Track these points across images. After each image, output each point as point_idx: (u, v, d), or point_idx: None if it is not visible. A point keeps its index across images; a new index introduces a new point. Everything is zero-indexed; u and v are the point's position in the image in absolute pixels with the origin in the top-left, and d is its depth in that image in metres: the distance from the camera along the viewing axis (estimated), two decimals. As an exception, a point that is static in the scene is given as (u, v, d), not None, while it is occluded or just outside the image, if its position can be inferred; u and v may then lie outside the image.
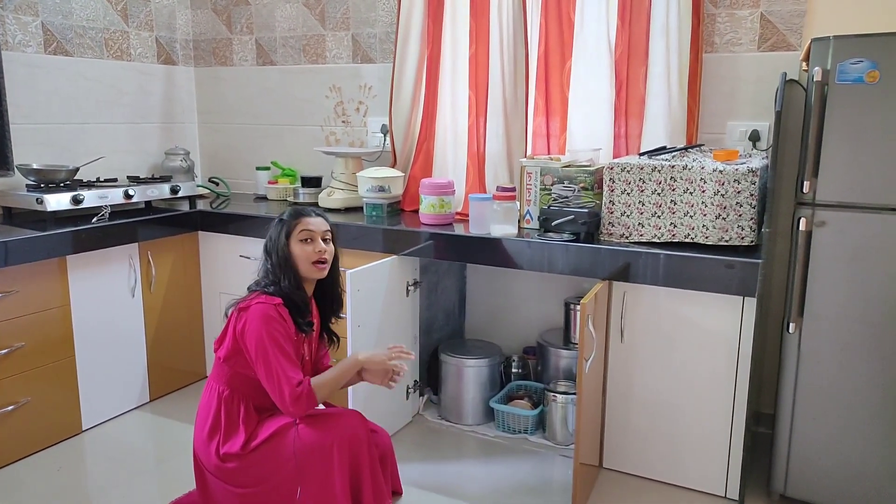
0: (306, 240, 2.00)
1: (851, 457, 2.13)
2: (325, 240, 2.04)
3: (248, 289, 2.03)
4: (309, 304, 2.03)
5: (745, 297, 2.17)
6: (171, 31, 3.64)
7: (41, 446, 2.63)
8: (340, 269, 2.38)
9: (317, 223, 2.03)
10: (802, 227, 2.08)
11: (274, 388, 1.85)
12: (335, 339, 2.17)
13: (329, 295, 2.13)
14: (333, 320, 2.17)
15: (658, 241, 2.32)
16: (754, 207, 2.18)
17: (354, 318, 2.39)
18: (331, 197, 3.09)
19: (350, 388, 2.40)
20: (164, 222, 3.01)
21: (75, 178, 2.96)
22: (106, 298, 2.82)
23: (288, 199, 3.38)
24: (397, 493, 2.27)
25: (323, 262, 2.02)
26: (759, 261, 2.09)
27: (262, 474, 1.86)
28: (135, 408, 2.99)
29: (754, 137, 2.60)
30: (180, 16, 3.67)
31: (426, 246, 2.63)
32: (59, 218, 2.75)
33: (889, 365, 2.04)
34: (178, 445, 2.69)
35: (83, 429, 2.78)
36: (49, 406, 2.64)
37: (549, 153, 2.86)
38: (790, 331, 2.15)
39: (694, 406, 2.31)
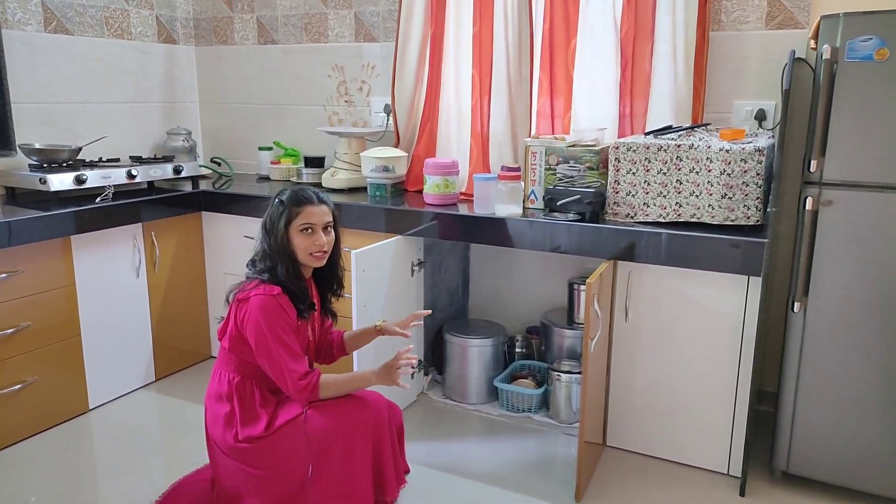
0: (307, 230, 1.92)
1: (854, 434, 2.15)
2: (325, 229, 1.96)
3: (247, 268, 2.00)
4: (307, 291, 1.98)
5: (751, 277, 2.17)
6: (172, 10, 3.60)
7: (48, 425, 2.65)
8: (345, 249, 2.37)
9: (319, 213, 1.94)
10: (809, 206, 2.07)
11: (278, 379, 1.86)
12: (334, 317, 2.16)
13: (328, 277, 2.07)
14: (333, 300, 2.13)
15: (663, 220, 2.32)
16: (760, 187, 2.18)
17: (359, 298, 2.40)
18: (334, 177, 3.08)
19: (355, 367, 2.41)
20: (167, 202, 3.01)
21: (78, 157, 2.95)
22: (111, 278, 2.82)
23: (291, 178, 3.38)
24: (406, 471, 2.29)
25: (322, 254, 1.96)
26: (765, 240, 2.09)
27: (279, 457, 1.86)
28: (140, 387, 3.01)
29: (760, 116, 2.58)
30: (180, -6, 3.64)
31: (430, 226, 2.63)
32: (63, 198, 2.75)
33: (893, 343, 2.05)
34: (183, 424, 2.71)
35: (90, 408, 2.79)
36: (55, 385, 2.65)
37: (553, 133, 2.85)
38: (795, 310, 2.15)
39: (698, 384, 2.32)
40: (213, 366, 2.03)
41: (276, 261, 1.91)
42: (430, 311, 2.28)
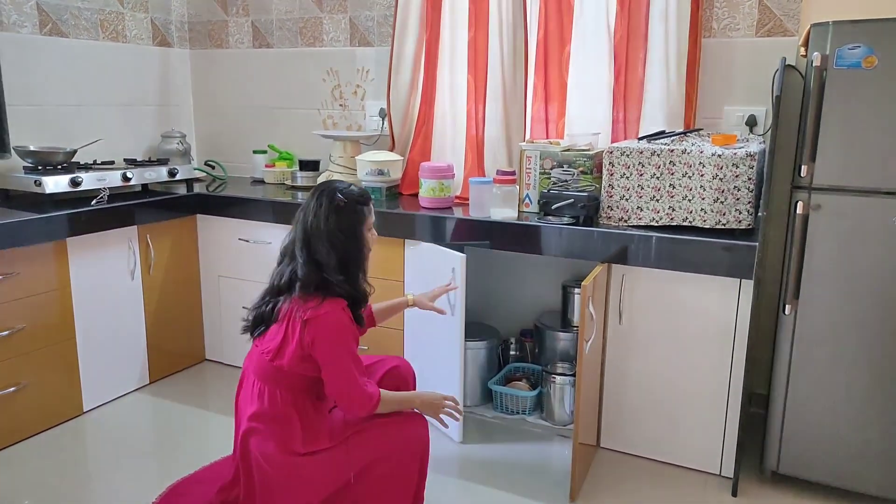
0: (372, 227, 1.92)
1: (842, 435, 2.18)
2: None
3: (297, 287, 1.82)
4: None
5: (742, 280, 2.20)
6: (167, 13, 3.61)
7: (42, 428, 2.64)
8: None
9: None
10: (799, 210, 2.11)
11: (342, 393, 1.80)
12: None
13: None
14: None
15: (656, 224, 2.35)
16: (752, 191, 2.21)
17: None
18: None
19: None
20: (162, 205, 3.01)
21: (73, 160, 2.95)
22: (106, 281, 2.82)
23: (286, 182, 3.39)
24: None
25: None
26: (756, 244, 2.13)
27: (331, 467, 1.83)
28: (135, 390, 3.01)
29: (751, 122, 2.62)
30: (175, -3, 3.65)
31: (426, 229, 2.65)
32: (58, 200, 2.74)
33: (881, 346, 2.09)
34: (178, 427, 2.71)
35: (84, 411, 2.79)
36: (50, 388, 2.64)
37: (547, 137, 2.88)
38: (786, 312, 2.19)
39: (690, 386, 2.35)
40: (250, 382, 1.89)
41: (355, 270, 1.85)
42: (457, 287, 2.37)
